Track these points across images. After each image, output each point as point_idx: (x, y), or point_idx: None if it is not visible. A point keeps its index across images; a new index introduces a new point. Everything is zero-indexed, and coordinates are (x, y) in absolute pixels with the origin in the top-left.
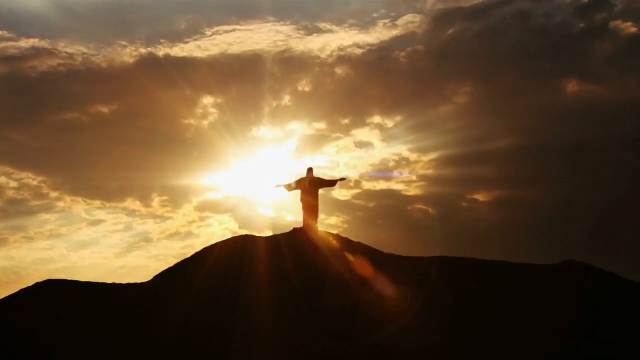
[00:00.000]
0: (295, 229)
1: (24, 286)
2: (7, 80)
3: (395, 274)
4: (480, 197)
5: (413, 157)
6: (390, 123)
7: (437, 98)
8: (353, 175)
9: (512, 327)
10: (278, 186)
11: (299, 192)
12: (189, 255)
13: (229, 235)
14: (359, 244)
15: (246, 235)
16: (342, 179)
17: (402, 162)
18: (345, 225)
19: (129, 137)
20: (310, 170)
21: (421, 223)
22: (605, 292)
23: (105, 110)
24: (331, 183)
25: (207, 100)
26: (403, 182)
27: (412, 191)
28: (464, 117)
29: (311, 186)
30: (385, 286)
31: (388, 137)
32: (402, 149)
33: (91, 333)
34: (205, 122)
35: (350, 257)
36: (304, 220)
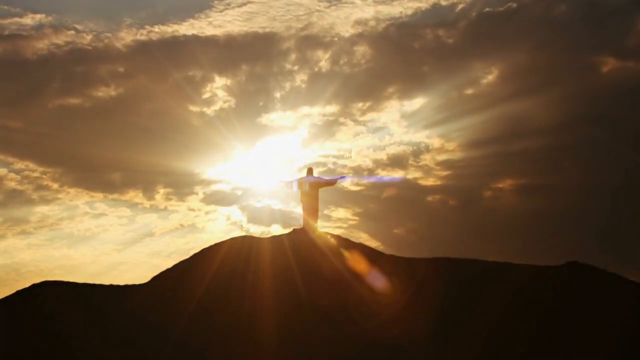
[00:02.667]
0: (295, 230)
1: (23, 284)
2: (8, 60)
3: (391, 274)
4: (505, 185)
5: (434, 143)
6: (409, 106)
7: (462, 78)
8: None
9: (511, 327)
10: (279, 181)
11: (298, 191)
12: (191, 252)
13: (234, 231)
14: (359, 244)
15: (247, 236)
16: (341, 177)
17: (421, 149)
18: (356, 218)
19: (132, 124)
20: (310, 170)
21: (439, 215)
22: (607, 293)
23: (108, 94)
24: (331, 182)
25: (216, 83)
26: (421, 169)
27: (430, 180)
28: (491, 99)
29: (311, 189)
30: (378, 285)
31: (407, 121)
32: (422, 135)
33: (87, 335)
34: (213, 108)
35: (347, 258)
36: (304, 220)
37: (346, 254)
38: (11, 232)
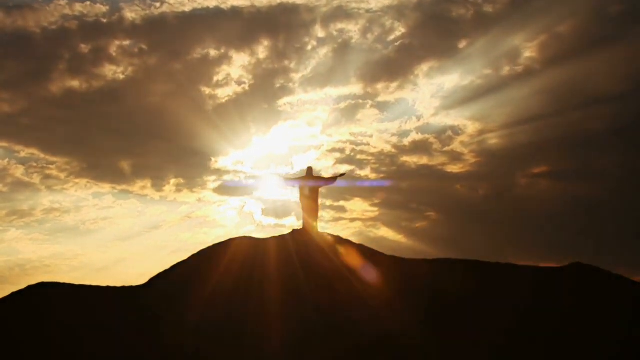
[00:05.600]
0: (294, 230)
1: (27, 282)
2: (15, 36)
3: (387, 274)
4: (542, 171)
5: (466, 125)
6: (441, 85)
7: (501, 52)
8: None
9: (511, 327)
10: (277, 175)
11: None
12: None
13: (245, 226)
14: (359, 245)
15: (247, 237)
16: (341, 175)
17: (450, 132)
18: (375, 210)
19: (142, 108)
20: (309, 169)
21: (467, 206)
22: (611, 294)
23: (118, 74)
24: (330, 180)
25: (233, 62)
26: (448, 155)
27: (458, 167)
28: (532, 77)
29: (311, 191)
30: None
31: (437, 101)
32: (452, 117)
33: (83, 337)
34: (229, 90)
35: (345, 259)
36: (304, 221)
37: (344, 254)
38: (16, 225)
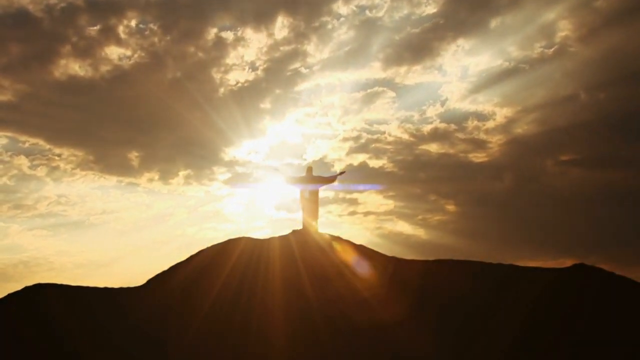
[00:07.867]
0: (294, 231)
1: (30, 281)
2: (17, 18)
3: (386, 275)
4: (571, 159)
5: (494, 111)
6: (466, 69)
7: (534, 31)
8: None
9: (509, 328)
10: (277, 172)
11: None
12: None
13: (255, 220)
14: (360, 246)
15: (246, 238)
16: (341, 173)
17: (473, 118)
18: (390, 202)
19: (151, 94)
20: (309, 169)
21: (490, 198)
22: (613, 295)
23: (123, 59)
24: (330, 180)
25: (246, 44)
26: (472, 142)
27: (482, 155)
28: (567, 57)
29: (311, 193)
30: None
31: (464, 84)
32: (477, 101)
33: (80, 339)
34: (242, 75)
35: (344, 259)
36: (304, 221)
37: (343, 255)
38: (19, 221)
